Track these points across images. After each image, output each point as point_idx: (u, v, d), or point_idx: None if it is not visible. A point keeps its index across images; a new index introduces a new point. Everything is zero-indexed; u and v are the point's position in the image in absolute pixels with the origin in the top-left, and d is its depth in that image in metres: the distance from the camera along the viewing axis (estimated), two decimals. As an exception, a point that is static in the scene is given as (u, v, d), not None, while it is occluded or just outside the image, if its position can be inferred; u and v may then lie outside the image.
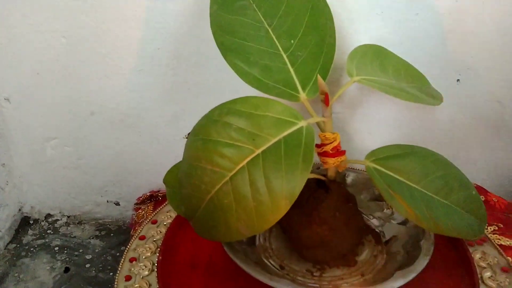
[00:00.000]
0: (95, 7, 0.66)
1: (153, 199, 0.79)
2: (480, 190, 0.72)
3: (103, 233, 0.83)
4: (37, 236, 0.82)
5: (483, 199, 0.69)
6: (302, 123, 0.48)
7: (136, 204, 0.79)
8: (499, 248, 0.56)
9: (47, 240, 0.81)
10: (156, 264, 0.53)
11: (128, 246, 0.58)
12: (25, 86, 0.74)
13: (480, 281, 0.50)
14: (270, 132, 0.48)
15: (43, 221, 0.85)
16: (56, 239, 0.81)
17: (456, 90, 0.72)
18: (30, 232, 0.83)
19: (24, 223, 0.85)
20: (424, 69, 0.64)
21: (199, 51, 0.69)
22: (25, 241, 0.81)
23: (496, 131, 0.76)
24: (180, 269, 0.54)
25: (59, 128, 0.78)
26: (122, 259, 0.55)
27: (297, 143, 0.47)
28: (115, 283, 0.52)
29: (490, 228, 0.61)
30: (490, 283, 0.50)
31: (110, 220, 0.85)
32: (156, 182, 0.80)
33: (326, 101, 0.52)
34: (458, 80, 0.71)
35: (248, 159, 0.47)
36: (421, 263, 0.48)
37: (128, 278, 0.52)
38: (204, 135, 0.49)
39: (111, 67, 0.71)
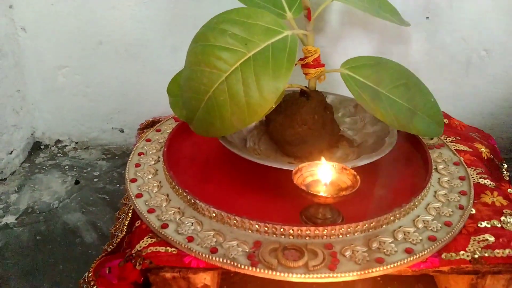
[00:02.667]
0: None
1: (155, 125, 0.87)
2: (445, 115, 0.81)
3: (108, 156, 0.92)
4: (48, 158, 0.91)
5: (447, 122, 0.79)
6: (287, 32, 0.56)
7: (139, 129, 0.88)
8: (454, 151, 0.66)
9: (57, 161, 0.90)
10: (161, 157, 0.62)
11: (136, 145, 0.67)
12: (40, 16, 0.82)
13: (434, 171, 0.60)
14: (260, 38, 0.56)
15: (53, 146, 0.94)
16: (66, 160, 0.90)
17: (425, 26, 0.81)
18: (41, 155, 0.92)
19: (36, 147, 0.93)
20: (397, 6, 0.73)
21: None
22: (38, 162, 0.89)
23: (461, 66, 0.86)
24: (181, 161, 0.63)
25: (70, 57, 0.86)
26: (131, 153, 0.64)
27: (282, 48, 0.56)
28: (126, 169, 0.61)
29: (449, 139, 0.71)
30: (442, 172, 0.60)
31: (115, 146, 0.94)
32: (157, 109, 0.88)
33: (308, 16, 0.60)
34: (427, 17, 0.81)
35: (241, 61, 0.55)
36: (384, 151, 0.58)
37: (137, 165, 0.61)
38: (203, 41, 0.57)
39: (119, -2, 0.80)
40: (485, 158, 0.69)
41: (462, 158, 0.64)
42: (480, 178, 0.60)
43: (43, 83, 0.88)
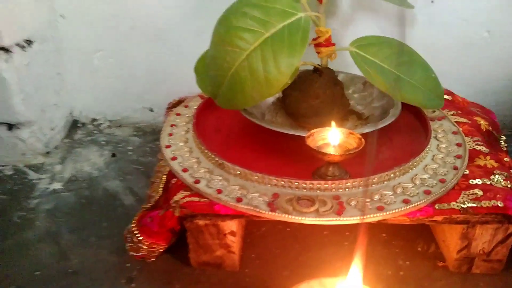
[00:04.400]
0: None
1: (181, 104, 0.96)
2: (449, 92, 0.87)
3: (140, 133, 1.01)
4: (86, 134, 1.00)
5: (450, 99, 0.85)
6: (301, 14, 0.64)
7: (167, 108, 0.96)
8: (454, 122, 0.72)
9: (94, 137, 0.99)
10: (191, 127, 0.70)
11: (167, 118, 0.75)
12: (77, 4, 0.91)
13: (434, 138, 0.67)
14: (277, 19, 0.63)
15: (89, 124, 1.03)
16: (102, 136, 0.99)
17: (430, 9, 0.87)
18: (79, 132, 1.01)
19: (74, 125, 1.03)
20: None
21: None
22: (76, 138, 0.99)
23: (464, 47, 0.91)
24: (208, 132, 0.71)
25: (104, 41, 0.94)
26: (164, 125, 0.73)
27: (297, 28, 0.63)
28: (160, 139, 0.70)
29: (451, 112, 0.77)
30: (441, 139, 0.67)
31: (145, 124, 1.03)
32: (183, 90, 0.96)
33: None
34: (432, 1, 0.86)
35: (260, 40, 0.62)
36: (388, 120, 0.65)
37: (170, 134, 0.70)
38: (226, 23, 0.65)
39: (149, -13, 0.88)
40: (484, 129, 0.75)
41: (460, 129, 0.71)
42: (475, 145, 0.67)
43: (80, 66, 0.97)
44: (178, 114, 0.77)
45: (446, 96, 0.85)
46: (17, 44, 0.82)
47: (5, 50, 0.79)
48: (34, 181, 0.84)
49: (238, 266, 0.62)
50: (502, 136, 0.80)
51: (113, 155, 0.92)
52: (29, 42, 0.85)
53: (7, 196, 0.81)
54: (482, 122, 0.76)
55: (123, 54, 0.96)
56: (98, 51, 0.96)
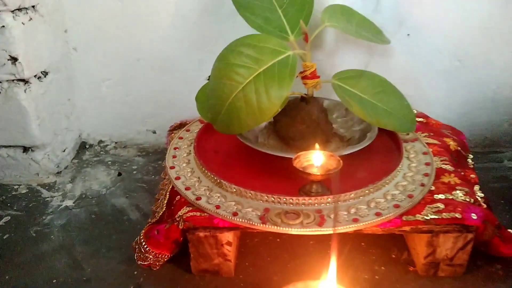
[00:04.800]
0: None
1: (182, 127, 1.05)
2: (424, 115, 0.97)
3: (143, 153, 1.09)
4: (93, 155, 1.09)
5: (425, 122, 0.95)
6: (289, 52, 0.73)
7: (169, 130, 1.05)
8: (425, 144, 0.82)
9: (101, 157, 1.08)
10: (192, 150, 0.79)
11: (171, 141, 0.84)
12: (88, 38, 1.00)
13: (406, 158, 0.76)
14: (269, 57, 0.73)
15: (96, 145, 1.12)
16: (108, 157, 1.08)
17: (406, 42, 0.97)
18: (87, 153, 1.10)
19: (82, 147, 1.11)
20: (384, 26, 0.89)
21: (218, 11, 0.95)
22: (85, 158, 1.07)
23: (439, 75, 1.01)
24: (207, 153, 0.80)
25: (112, 71, 1.04)
26: (169, 148, 0.82)
27: (285, 64, 0.73)
28: (165, 160, 0.78)
29: (423, 134, 0.87)
30: (412, 159, 0.76)
31: (148, 145, 1.12)
32: (184, 114, 1.05)
33: (305, 38, 0.77)
34: (408, 34, 0.97)
35: (254, 75, 0.72)
36: (365, 142, 0.74)
37: (174, 156, 0.79)
38: (224, 60, 0.74)
39: (154, 24, 0.98)
40: (453, 150, 0.84)
41: (430, 149, 0.80)
42: (442, 164, 0.76)
43: (90, 93, 1.07)
44: (180, 138, 0.86)
45: (421, 119, 0.95)
46: (35, 76, 0.91)
47: (25, 81, 0.89)
48: (47, 198, 0.93)
49: (234, 273, 0.70)
50: (469, 154, 0.89)
51: (119, 174, 1.01)
52: (45, 73, 0.94)
53: (23, 212, 0.89)
54: (452, 142, 0.85)
55: (130, 83, 1.05)
56: (106, 80, 1.05)
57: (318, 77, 0.80)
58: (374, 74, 0.80)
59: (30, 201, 0.92)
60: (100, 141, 1.13)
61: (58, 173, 1.00)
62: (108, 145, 1.12)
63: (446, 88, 1.02)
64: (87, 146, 1.12)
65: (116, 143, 1.12)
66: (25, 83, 0.89)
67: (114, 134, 1.12)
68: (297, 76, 0.75)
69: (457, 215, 0.63)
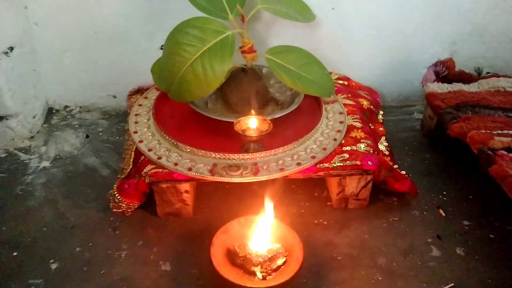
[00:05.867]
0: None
1: (139, 92, 1.18)
2: (346, 78, 1.16)
3: (106, 116, 1.23)
4: (61, 119, 1.21)
5: (346, 84, 1.14)
6: (229, 32, 0.88)
7: (129, 95, 1.19)
8: (342, 104, 1.01)
9: (68, 121, 1.20)
10: (151, 116, 0.94)
11: (132, 108, 0.99)
12: (48, 13, 1.09)
13: (325, 118, 0.95)
14: (212, 37, 0.87)
15: (62, 110, 1.24)
16: (75, 121, 1.21)
17: (332, 14, 1.13)
18: (55, 117, 1.22)
19: (50, 112, 1.23)
20: (307, 1, 1.05)
21: (167, -10, 1.06)
22: (53, 123, 1.20)
23: (358, 42, 1.19)
24: (164, 118, 0.95)
25: (72, 43, 1.14)
26: (130, 115, 0.96)
27: (226, 42, 0.87)
28: (128, 125, 0.93)
29: (343, 96, 1.06)
30: (330, 119, 0.95)
31: (110, 108, 1.25)
32: (141, 80, 1.18)
33: (243, 19, 0.92)
34: (333, 8, 1.13)
35: (200, 52, 0.86)
36: (292, 107, 0.92)
37: (136, 122, 0.94)
38: (174, 39, 0.88)
39: None
40: (366, 108, 1.04)
41: (346, 109, 0.99)
42: (353, 121, 0.96)
43: (53, 63, 1.17)
44: (140, 105, 1.00)
45: (342, 81, 1.13)
46: (3, 52, 1.01)
47: (-6, 58, 0.99)
48: (25, 161, 1.06)
49: (192, 214, 0.89)
50: (380, 111, 1.10)
51: (87, 136, 1.14)
52: (11, 48, 1.04)
53: (6, 174, 1.02)
54: (365, 102, 1.05)
55: (89, 53, 1.16)
56: (67, 51, 1.15)
57: (255, 51, 0.96)
58: (299, 48, 0.96)
59: (10, 164, 1.05)
60: (66, 106, 1.24)
61: (31, 137, 1.13)
62: (73, 109, 1.24)
63: (366, 54, 1.21)
64: (54, 111, 1.24)
65: (80, 107, 1.25)
66: (-6, 60, 0.99)
67: (78, 99, 1.24)
68: (237, 50, 0.90)
69: (357, 162, 0.84)
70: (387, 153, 0.96)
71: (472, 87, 1.06)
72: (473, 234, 0.87)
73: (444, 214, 0.91)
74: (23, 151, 1.09)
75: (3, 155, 1.07)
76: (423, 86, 1.10)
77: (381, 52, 1.21)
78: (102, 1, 1.09)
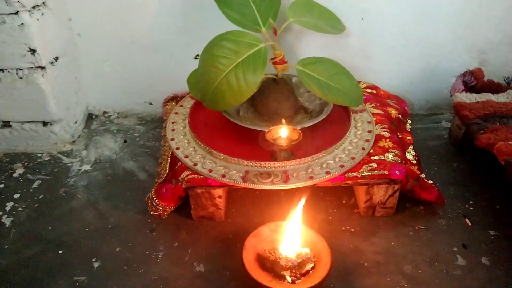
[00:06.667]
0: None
1: (175, 99, 1.24)
2: (374, 87, 1.18)
3: (142, 122, 1.29)
4: (100, 125, 1.28)
5: (374, 92, 1.16)
6: (262, 45, 0.92)
7: (164, 102, 1.25)
8: (370, 114, 1.03)
9: (107, 126, 1.27)
10: (187, 123, 0.99)
11: (168, 116, 1.04)
12: (90, 25, 1.16)
13: (353, 127, 0.98)
14: (245, 50, 0.91)
15: (101, 116, 1.31)
16: (113, 126, 1.27)
17: (361, 24, 1.16)
18: (94, 123, 1.29)
19: (90, 117, 1.30)
20: (340, 12, 1.08)
21: (202, 5, 1.11)
22: (93, 128, 1.27)
23: (388, 52, 1.21)
24: (199, 126, 1.00)
25: (111, 53, 1.21)
26: (167, 122, 1.02)
27: (259, 55, 0.91)
28: (166, 131, 0.99)
29: (371, 105, 1.08)
30: (358, 128, 0.98)
31: (146, 114, 1.31)
32: (176, 88, 1.24)
33: (274, 32, 0.96)
34: (362, 18, 1.15)
35: (234, 64, 0.90)
36: (322, 116, 0.95)
37: (173, 130, 0.99)
38: (210, 52, 0.93)
39: (145, 10, 1.14)
40: (394, 117, 1.06)
41: (374, 119, 1.02)
42: (382, 131, 0.98)
43: (93, 71, 1.24)
44: (176, 113, 1.06)
45: (370, 90, 1.16)
46: (49, 62, 1.08)
47: (42, 67, 1.06)
48: (68, 164, 1.13)
49: (224, 218, 0.94)
50: (408, 120, 1.12)
51: (125, 141, 1.21)
52: (56, 58, 1.11)
53: (50, 176, 1.09)
54: (393, 111, 1.07)
55: (126, 62, 1.22)
56: (107, 60, 1.22)
57: (286, 62, 0.99)
58: (329, 59, 1.00)
59: (54, 167, 1.12)
60: (105, 112, 1.31)
61: (73, 142, 1.20)
62: (111, 115, 1.31)
63: (394, 62, 1.23)
64: (93, 117, 1.31)
65: (118, 113, 1.31)
66: (42, 69, 1.06)
67: (116, 105, 1.30)
68: (269, 62, 0.94)
69: (385, 172, 0.86)
70: (414, 162, 0.98)
71: (500, 97, 1.07)
72: (499, 244, 0.88)
73: (470, 224, 0.92)
74: (66, 154, 1.16)
75: (47, 158, 1.15)
76: (451, 96, 1.11)
77: (409, 61, 1.22)
78: (139, 13, 1.15)
